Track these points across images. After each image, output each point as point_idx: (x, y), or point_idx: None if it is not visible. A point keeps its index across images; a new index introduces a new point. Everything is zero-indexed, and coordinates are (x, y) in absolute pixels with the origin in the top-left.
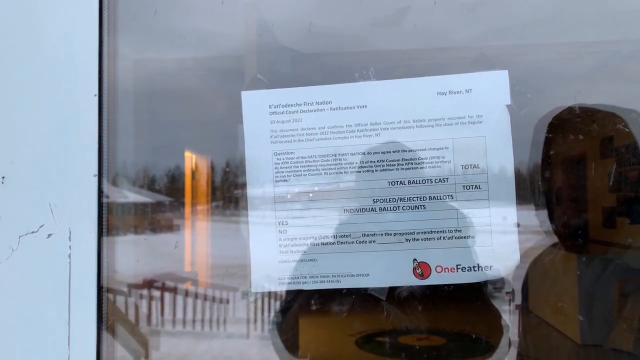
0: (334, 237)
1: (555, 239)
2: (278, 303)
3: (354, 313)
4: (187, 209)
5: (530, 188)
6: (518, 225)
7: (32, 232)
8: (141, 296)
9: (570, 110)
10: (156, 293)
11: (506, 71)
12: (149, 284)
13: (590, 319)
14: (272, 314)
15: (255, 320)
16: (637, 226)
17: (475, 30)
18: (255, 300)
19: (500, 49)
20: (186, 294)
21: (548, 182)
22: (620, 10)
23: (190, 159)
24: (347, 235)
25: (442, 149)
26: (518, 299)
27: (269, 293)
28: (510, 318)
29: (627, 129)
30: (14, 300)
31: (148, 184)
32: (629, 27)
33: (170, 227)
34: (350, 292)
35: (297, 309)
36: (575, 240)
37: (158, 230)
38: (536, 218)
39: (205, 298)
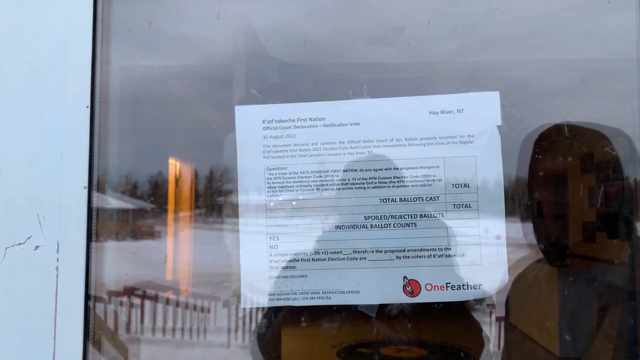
0: (325, 253)
1: (541, 255)
2: (260, 312)
3: (337, 324)
4: (179, 222)
5: (519, 207)
6: (506, 244)
7: (19, 244)
8: (130, 309)
9: (556, 127)
10: (146, 305)
11: (497, 92)
12: (138, 297)
13: (569, 332)
14: (255, 323)
15: (237, 330)
16: (615, 241)
17: (467, 50)
18: (237, 309)
19: (491, 68)
20: (176, 304)
21: (536, 200)
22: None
23: (174, 168)
24: (338, 252)
25: (434, 167)
26: (499, 311)
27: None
28: (490, 330)
29: (611, 148)
30: None
31: (139, 196)
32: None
33: (160, 239)
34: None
35: (280, 319)
36: (560, 256)
37: (148, 242)
38: (525, 238)
39: (194, 308)
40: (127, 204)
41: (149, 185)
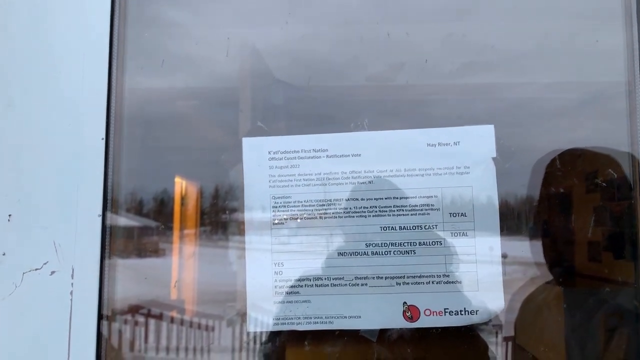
0: (328, 279)
1: (544, 279)
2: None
3: (340, 348)
4: (192, 248)
5: (515, 233)
6: (502, 272)
7: (36, 269)
8: (146, 330)
9: (565, 152)
10: (159, 329)
11: (492, 126)
12: (150, 317)
13: (576, 353)
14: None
15: (241, 350)
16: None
17: (462, 85)
18: (241, 328)
19: (486, 102)
20: (190, 325)
21: (536, 227)
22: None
23: (191, 192)
24: (340, 278)
25: (432, 197)
26: (506, 331)
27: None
28: (497, 349)
29: (621, 170)
30: (15, 337)
31: (152, 221)
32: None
33: (174, 266)
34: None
35: (284, 341)
36: (564, 276)
37: (162, 268)
38: (520, 267)
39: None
40: (140, 230)
41: (162, 210)
